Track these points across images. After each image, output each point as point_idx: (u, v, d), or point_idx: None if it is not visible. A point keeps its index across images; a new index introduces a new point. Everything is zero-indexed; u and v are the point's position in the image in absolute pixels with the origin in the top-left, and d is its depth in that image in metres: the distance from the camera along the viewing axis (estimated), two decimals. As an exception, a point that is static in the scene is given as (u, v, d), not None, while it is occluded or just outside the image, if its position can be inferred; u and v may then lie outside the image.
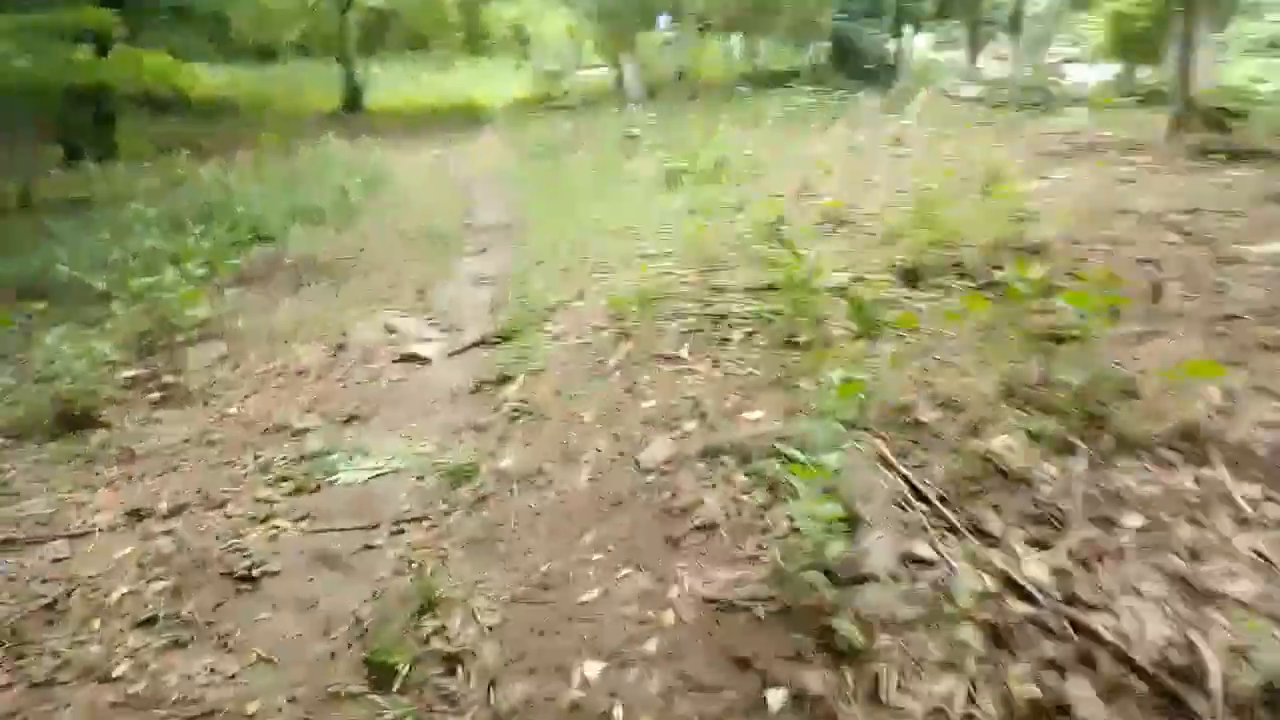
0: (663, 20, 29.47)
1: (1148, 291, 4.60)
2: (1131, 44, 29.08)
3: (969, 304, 4.21)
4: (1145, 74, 35.90)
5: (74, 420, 4.79)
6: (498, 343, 5.54)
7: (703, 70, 28.80)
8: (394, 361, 5.56)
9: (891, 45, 25.98)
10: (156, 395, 5.22)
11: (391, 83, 33.42)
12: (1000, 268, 4.92)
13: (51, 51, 12.56)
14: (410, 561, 3.31)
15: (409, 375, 5.32)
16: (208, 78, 27.28)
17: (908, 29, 24.38)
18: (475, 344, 5.67)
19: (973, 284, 4.86)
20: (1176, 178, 6.91)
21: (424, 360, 5.55)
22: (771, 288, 5.31)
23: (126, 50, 16.07)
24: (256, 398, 5.24)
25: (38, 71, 11.90)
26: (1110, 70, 33.45)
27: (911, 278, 5.07)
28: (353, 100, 27.05)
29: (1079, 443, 3.13)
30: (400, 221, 9.84)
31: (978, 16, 20.12)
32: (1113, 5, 29.03)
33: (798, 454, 2.83)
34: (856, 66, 25.53)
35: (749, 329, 4.67)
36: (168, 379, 5.40)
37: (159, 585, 3.28)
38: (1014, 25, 19.40)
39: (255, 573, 3.34)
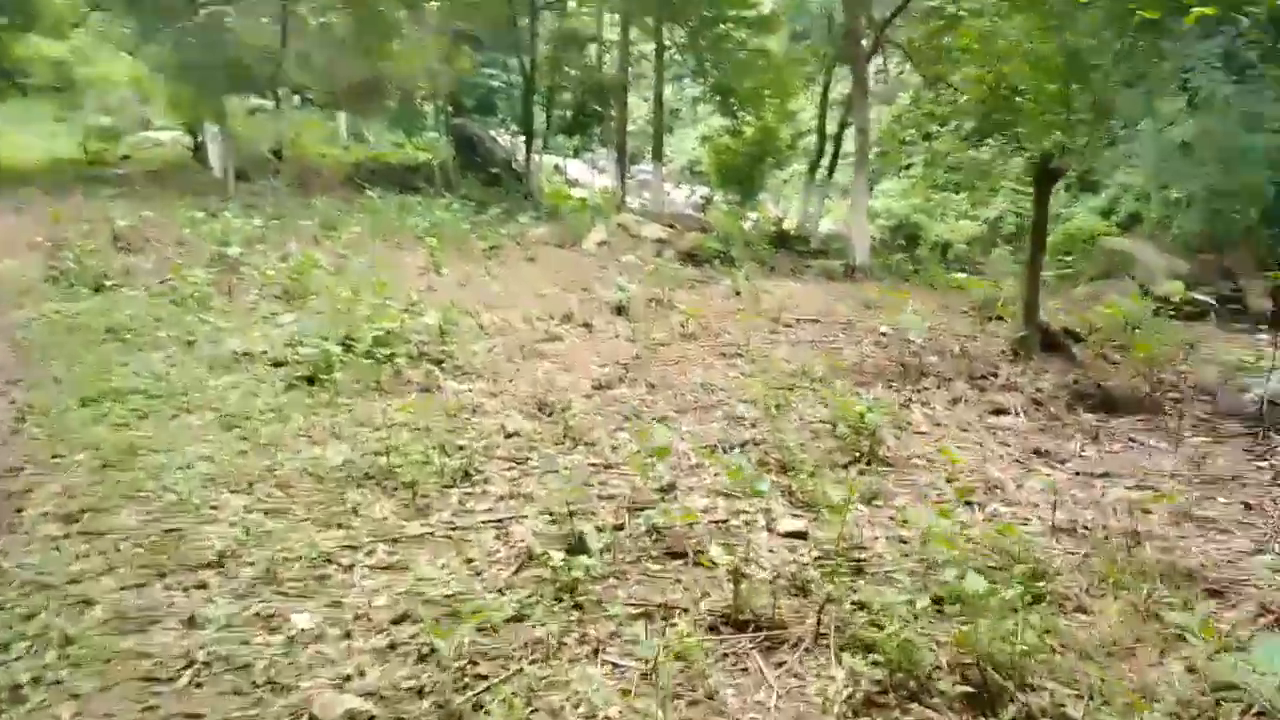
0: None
1: None
2: (730, 175, 29.92)
3: None
4: (720, 196, 37.57)
5: None
6: None
7: (306, 148, 23.92)
8: None
9: (519, 153, 23.46)
10: None
11: None
12: None
13: None
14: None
15: None
16: None
17: (537, 140, 22.00)
18: None
19: None
20: (1116, 457, 4.58)
21: None
22: None
23: None
24: None
25: None
26: (699, 192, 34.47)
27: None
28: None
29: None
30: None
31: (624, 140, 18.18)
32: (713, 142, 29.70)
33: None
34: (484, 170, 22.59)
35: None
36: None
37: None
38: (657, 154, 17.74)
39: None
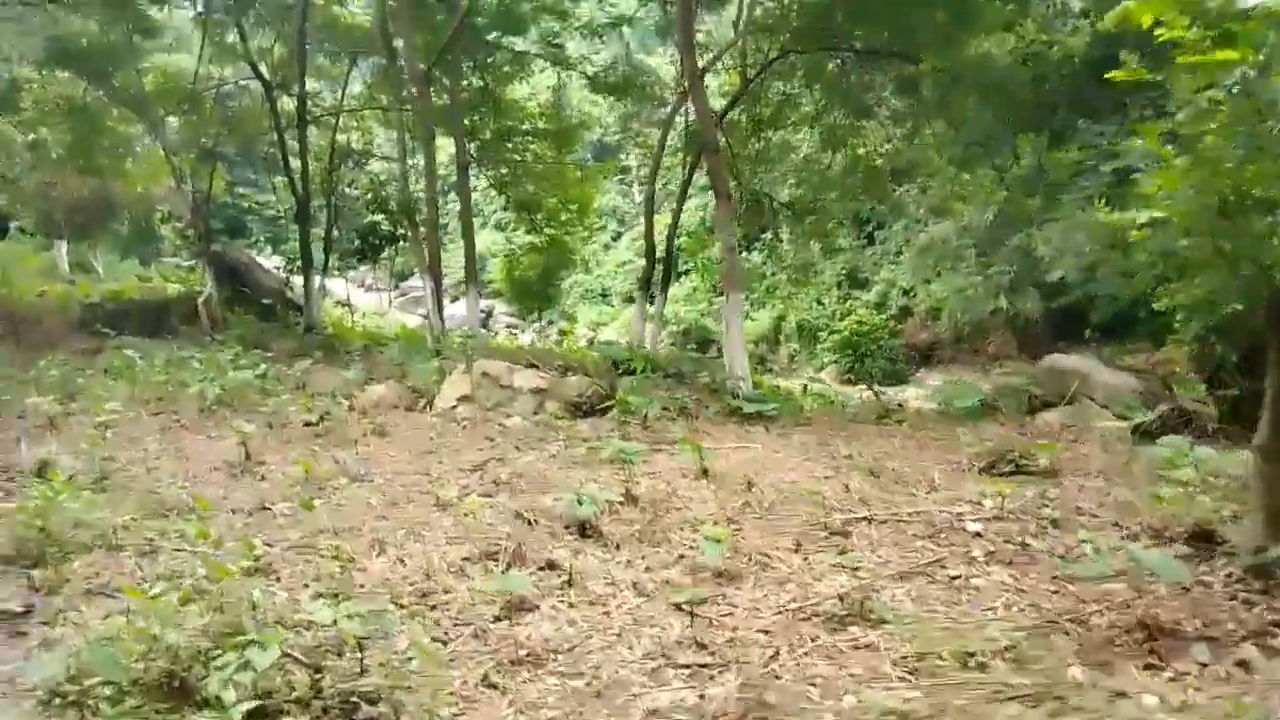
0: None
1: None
2: (524, 289, 27.80)
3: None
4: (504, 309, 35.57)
5: None
6: None
7: (19, 286, 18.82)
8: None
9: (295, 279, 19.91)
10: None
11: None
12: None
13: None
14: None
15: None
16: None
17: (315, 268, 18.77)
18: None
19: None
20: None
21: None
22: None
23: None
24: None
25: None
26: (482, 307, 32.09)
27: None
28: None
29: None
30: None
31: (438, 265, 15.43)
32: (503, 259, 27.66)
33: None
34: (254, 302, 18.84)
35: None
36: None
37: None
38: (470, 276, 15.24)
39: None
